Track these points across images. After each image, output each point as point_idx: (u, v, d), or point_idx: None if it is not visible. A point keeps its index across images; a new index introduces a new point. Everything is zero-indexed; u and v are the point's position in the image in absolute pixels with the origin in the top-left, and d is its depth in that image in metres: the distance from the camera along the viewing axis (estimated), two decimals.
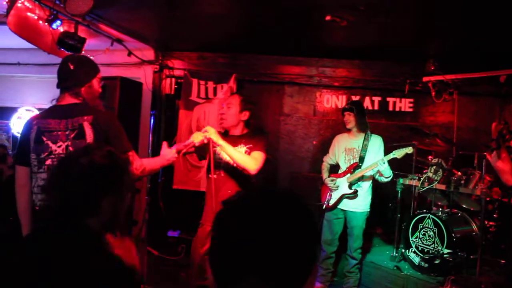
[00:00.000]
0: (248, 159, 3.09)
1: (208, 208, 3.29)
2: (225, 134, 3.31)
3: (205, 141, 2.98)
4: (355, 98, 5.83)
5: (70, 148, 2.37)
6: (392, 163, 4.21)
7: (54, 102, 2.53)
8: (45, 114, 2.48)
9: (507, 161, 2.72)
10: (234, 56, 6.01)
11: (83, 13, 3.47)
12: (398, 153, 3.94)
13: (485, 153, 2.98)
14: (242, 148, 3.20)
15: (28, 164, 2.43)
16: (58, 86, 2.51)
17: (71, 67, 2.46)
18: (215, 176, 3.16)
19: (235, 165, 3.11)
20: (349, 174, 4.17)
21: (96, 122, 2.40)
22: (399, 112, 5.85)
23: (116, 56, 5.78)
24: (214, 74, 5.94)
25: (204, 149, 3.16)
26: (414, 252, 4.36)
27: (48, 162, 2.38)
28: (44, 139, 2.39)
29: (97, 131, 2.39)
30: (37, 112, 6.28)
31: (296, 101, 6.07)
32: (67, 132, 2.39)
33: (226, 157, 3.16)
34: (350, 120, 4.18)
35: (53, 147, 2.39)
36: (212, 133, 2.97)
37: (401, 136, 5.49)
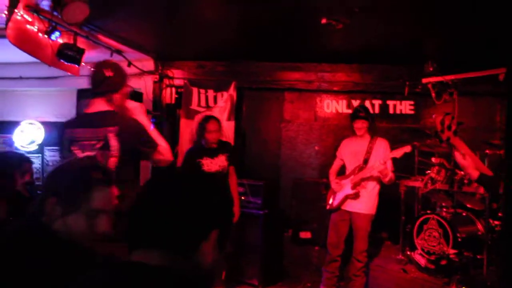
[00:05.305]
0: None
1: None
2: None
3: None
4: (355, 102, 5.83)
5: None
6: (395, 165, 4.22)
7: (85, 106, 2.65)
8: (74, 123, 2.62)
9: (467, 156, 2.71)
10: (233, 64, 6.03)
11: (79, 22, 3.50)
12: (396, 153, 3.95)
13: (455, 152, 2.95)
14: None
15: None
16: (92, 92, 2.62)
17: (107, 74, 2.57)
18: None
19: None
20: (352, 176, 4.18)
21: (121, 132, 2.48)
22: (400, 115, 5.83)
23: None
24: (214, 82, 5.96)
25: None
26: (420, 254, 4.32)
27: None
28: (73, 148, 2.51)
29: (123, 141, 2.47)
30: (40, 126, 6.43)
31: (296, 107, 6.08)
32: (93, 142, 2.47)
33: None
34: (363, 127, 4.18)
35: (80, 156, 2.40)
36: None
37: (402, 138, 5.47)
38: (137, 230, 1.10)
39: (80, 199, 1.48)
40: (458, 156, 2.78)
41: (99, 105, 2.59)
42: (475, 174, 2.70)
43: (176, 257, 1.05)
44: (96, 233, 1.51)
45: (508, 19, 3.81)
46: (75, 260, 1.42)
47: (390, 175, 4.09)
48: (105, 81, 2.57)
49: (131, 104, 2.76)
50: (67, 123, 2.65)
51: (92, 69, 2.67)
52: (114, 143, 2.46)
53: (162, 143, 2.67)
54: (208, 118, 4.36)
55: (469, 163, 2.71)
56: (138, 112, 2.74)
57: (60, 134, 2.60)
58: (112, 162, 2.46)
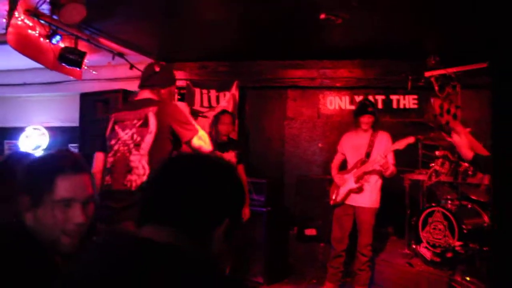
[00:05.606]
0: None
1: None
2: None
3: None
4: (358, 98, 5.80)
5: (135, 135, 2.65)
6: (399, 158, 4.20)
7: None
8: (121, 108, 2.92)
9: (463, 135, 2.67)
10: (235, 64, 6.03)
11: (76, 23, 3.53)
12: (400, 144, 3.94)
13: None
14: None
15: (105, 151, 2.78)
16: (140, 84, 2.88)
17: (157, 69, 2.86)
18: None
19: None
20: (355, 169, 4.18)
21: (160, 112, 2.66)
22: (403, 109, 5.80)
23: (118, 71, 5.88)
24: (216, 82, 5.98)
25: None
26: (426, 247, 4.29)
27: (116, 147, 2.70)
28: (116, 127, 2.74)
29: (161, 120, 2.63)
30: (44, 131, 6.49)
31: (299, 104, 6.07)
32: (134, 121, 2.68)
33: None
34: (370, 121, 4.19)
35: (121, 133, 2.70)
36: None
37: (406, 133, 5.40)
38: (150, 205, 1.08)
39: (46, 189, 1.39)
40: (453, 136, 2.76)
41: (145, 95, 2.83)
42: (469, 154, 2.67)
43: (186, 237, 1.01)
44: (70, 224, 1.41)
45: (489, 14, 3.77)
46: (44, 257, 1.36)
47: (391, 169, 4.07)
48: (154, 76, 2.83)
49: (177, 104, 2.99)
50: (114, 109, 2.90)
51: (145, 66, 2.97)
52: (152, 120, 2.63)
53: (203, 132, 2.82)
54: (223, 111, 4.60)
55: (464, 143, 2.68)
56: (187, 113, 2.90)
57: (107, 120, 2.84)
58: (149, 139, 2.61)
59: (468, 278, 3.50)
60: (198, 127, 2.77)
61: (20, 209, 1.42)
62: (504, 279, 1.30)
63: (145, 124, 2.63)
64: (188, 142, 2.68)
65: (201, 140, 2.72)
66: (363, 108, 4.26)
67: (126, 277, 0.91)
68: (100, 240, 1.17)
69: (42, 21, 4.18)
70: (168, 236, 1.00)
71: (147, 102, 2.74)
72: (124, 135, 2.69)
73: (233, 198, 1.12)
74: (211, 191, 1.07)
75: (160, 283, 0.90)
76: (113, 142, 2.72)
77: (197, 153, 1.31)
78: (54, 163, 1.45)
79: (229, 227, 1.09)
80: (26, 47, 4.24)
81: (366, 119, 4.18)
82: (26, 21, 4.12)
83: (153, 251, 0.96)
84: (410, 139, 3.96)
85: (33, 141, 6.60)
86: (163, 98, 2.82)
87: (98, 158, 2.82)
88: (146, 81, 2.85)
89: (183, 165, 1.13)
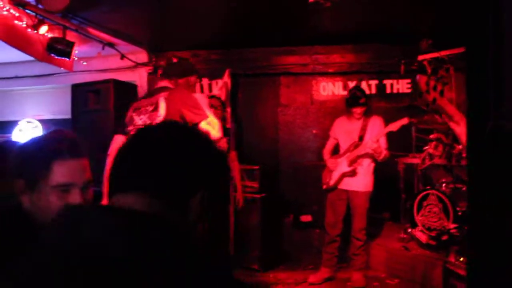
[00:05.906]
0: None
1: None
2: None
3: None
4: (351, 83, 5.76)
5: (146, 120, 2.79)
6: (393, 141, 4.17)
7: None
8: (140, 98, 3.06)
9: (461, 122, 2.64)
10: (226, 52, 5.98)
11: (60, 10, 3.49)
12: (393, 126, 3.91)
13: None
14: None
15: (125, 134, 2.88)
16: (162, 74, 3.08)
17: (174, 60, 3.23)
18: None
19: None
20: (348, 153, 4.15)
21: (171, 97, 2.78)
22: (397, 94, 5.77)
23: (110, 62, 5.82)
24: (208, 70, 5.93)
25: None
26: (421, 230, 4.28)
27: (132, 133, 2.65)
28: (133, 114, 2.89)
29: (170, 105, 2.74)
30: (38, 124, 6.47)
31: (292, 91, 6.03)
32: (148, 107, 2.83)
33: None
34: (362, 111, 4.16)
35: (136, 119, 2.85)
36: None
37: (400, 118, 5.40)
38: (122, 172, 1.03)
39: (41, 174, 1.34)
40: (452, 124, 2.73)
41: (162, 84, 2.96)
42: None
43: (162, 204, 0.96)
44: None
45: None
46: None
47: (384, 153, 4.03)
48: (171, 66, 3.07)
49: (195, 95, 3.02)
50: (135, 99, 3.06)
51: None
52: (162, 105, 2.75)
53: (214, 118, 2.86)
54: (211, 96, 4.62)
55: (463, 131, 2.65)
56: (201, 102, 2.92)
57: (129, 108, 2.98)
58: (158, 122, 2.66)
59: (461, 259, 3.48)
60: (209, 114, 2.81)
61: (16, 192, 1.37)
62: (480, 257, 1.27)
63: (156, 108, 2.77)
64: (195, 126, 2.68)
65: (210, 126, 2.74)
66: (354, 100, 4.18)
67: (96, 246, 0.84)
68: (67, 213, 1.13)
69: (28, 11, 4.13)
70: (142, 204, 0.96)
71: (161, 90, 2.88)
72: (139, 120, 2.84)
73: (208, 166, 1.07)
74: (184, 157, 1.02)
75: (134, 248, 0.83)
76: (130, 128, 2.87)
77: (173, 122, 1.25)
78: (50, 147, 1.38)
79: (207, 198, 1.04)
80: (13, 38, 4.20)
81: (358, 110, 4.15)
82: (12, 11, 4.06)
83: (125, 218, 0.91)
84: (404, 121, 3.93)
85: (27, 134, 6.57)
86: (180, 88, 2.94)
87: (115, 140, 2.91)
88: (165, 71, 3.04)
89: (158, 132, 1.09)
